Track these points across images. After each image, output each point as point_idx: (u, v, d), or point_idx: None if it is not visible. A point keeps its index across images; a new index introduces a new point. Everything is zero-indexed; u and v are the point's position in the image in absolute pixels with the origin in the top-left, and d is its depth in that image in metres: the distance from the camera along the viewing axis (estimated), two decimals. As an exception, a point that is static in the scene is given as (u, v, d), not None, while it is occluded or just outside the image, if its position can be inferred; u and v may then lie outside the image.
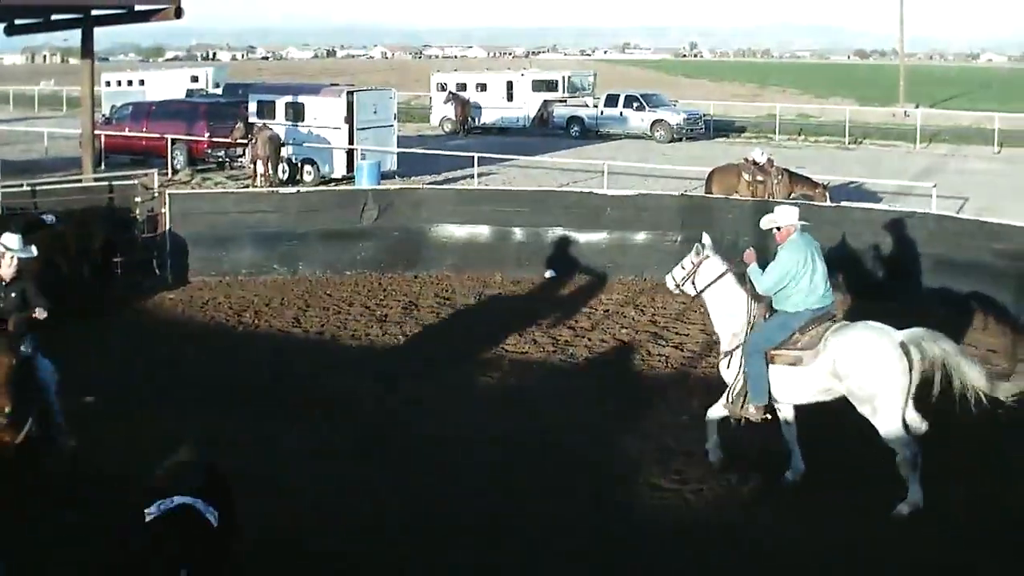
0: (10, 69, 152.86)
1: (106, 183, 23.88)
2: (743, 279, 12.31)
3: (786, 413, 12.16)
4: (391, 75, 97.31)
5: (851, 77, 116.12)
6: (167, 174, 35.35)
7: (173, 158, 37.82)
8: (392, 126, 37.72)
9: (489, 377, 16.07)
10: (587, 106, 55.59)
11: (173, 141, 37.93)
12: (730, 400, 12.15)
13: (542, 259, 22.50)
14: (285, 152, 35.27)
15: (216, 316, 19.63)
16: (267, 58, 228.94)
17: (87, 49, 30.24)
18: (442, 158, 36.97)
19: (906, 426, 11.33)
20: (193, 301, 20.54)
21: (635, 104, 53.54)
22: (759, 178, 25.52)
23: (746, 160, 26.26)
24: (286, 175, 35.23)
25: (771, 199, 23.95)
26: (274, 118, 36.59)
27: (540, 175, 36.62)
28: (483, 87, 58.21)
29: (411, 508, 11.35)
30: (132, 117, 41.31)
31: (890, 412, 11.27)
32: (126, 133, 40.14)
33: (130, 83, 59.48)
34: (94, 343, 17.13)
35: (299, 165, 35.92)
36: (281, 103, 37.41)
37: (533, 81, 58.06)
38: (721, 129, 56.44)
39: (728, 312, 12.27)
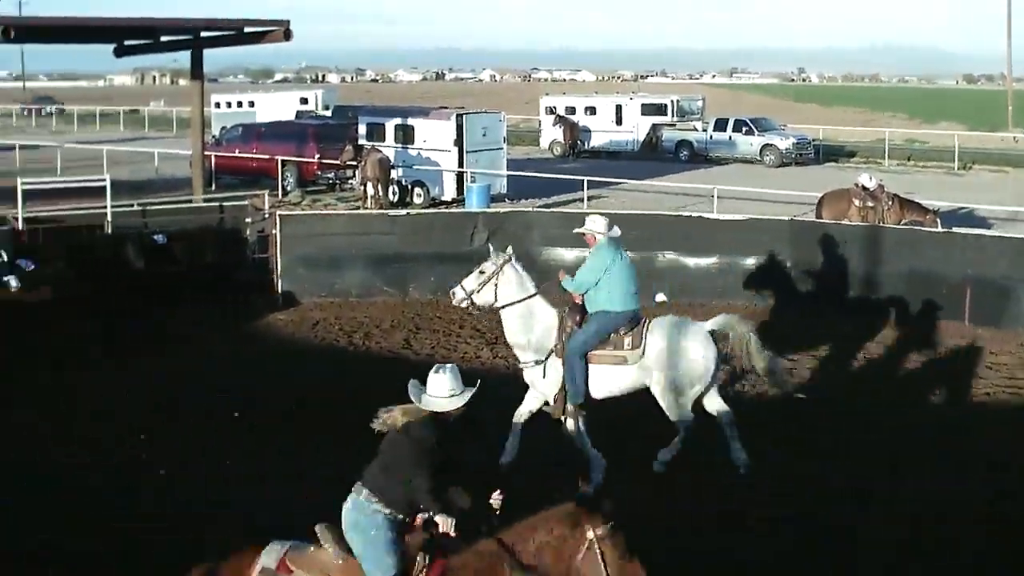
0: (120, 89, 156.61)
1: (217, 204, 24.05)
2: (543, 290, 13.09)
3: (571, 424, 12.71)
4: (500, 98, 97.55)
5: (959, 101, 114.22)
6: (277, 195, 35.59)
7: (283, 179, 38.13)
8: (502, 149, 37.67)
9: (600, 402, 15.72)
10: (696, 130, 55.05)
11: (283, 162, 38.28)
12: (553, 402, 12.77)
13: (652, 283, 22.10)
14: (395, 174, 35.36)
15: (327, 337, 19.59)
16: (376, 80, 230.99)
17: (197, 70, 30.58)
18: (551, 181, 36.81)
19: (710, 410, 12.73)
20: (304, 322, 20.52)
21: (744, 128, 53.03)
22: (869, 203, 25.20)
23: (856, 185, 25.86)
24: (396, 197, 35.33)
25: (881, 225, 23.68)
26: (384, 140, 36.77)
27: (649, 199, 36.27)
28: (592, 111, 57.99)
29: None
30: (242, 138, 41.82)
31: (686, 400, 12.53)
32: (236, 154, 40.60)
33: (240, 104, 59.93)
34: (206, 363, 17.15)
35: (409, 187, 36.01)
36: (391, 125, 37.54)
37: (642, 105, 57.70)
38: (831, 154, 55.61)
39: (535, 321, 12.88)
